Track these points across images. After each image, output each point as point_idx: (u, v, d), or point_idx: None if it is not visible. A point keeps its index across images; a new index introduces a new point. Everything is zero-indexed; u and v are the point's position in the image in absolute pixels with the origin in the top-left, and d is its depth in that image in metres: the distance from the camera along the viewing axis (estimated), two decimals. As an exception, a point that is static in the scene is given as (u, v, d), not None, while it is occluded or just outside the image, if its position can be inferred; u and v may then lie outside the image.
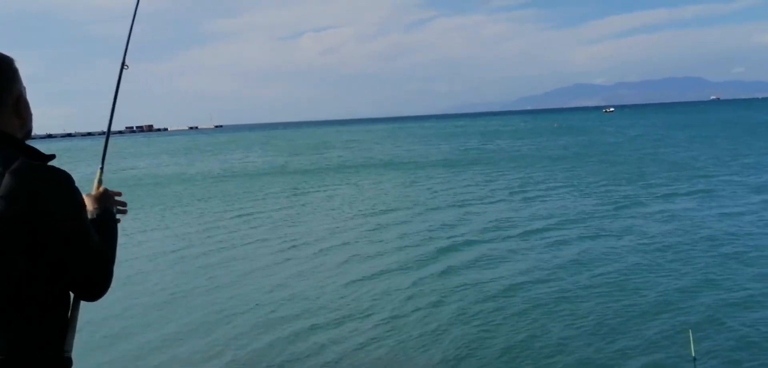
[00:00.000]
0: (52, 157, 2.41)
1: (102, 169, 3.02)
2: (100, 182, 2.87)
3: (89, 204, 2.60)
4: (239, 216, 20.87)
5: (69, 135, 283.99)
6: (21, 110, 2.40)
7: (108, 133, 3.22)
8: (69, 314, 2.39)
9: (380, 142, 74.17)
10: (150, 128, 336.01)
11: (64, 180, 2.25)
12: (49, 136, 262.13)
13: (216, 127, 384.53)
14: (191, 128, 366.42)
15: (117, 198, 2.84)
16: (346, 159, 48.55)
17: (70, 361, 2.37)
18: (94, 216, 2.57)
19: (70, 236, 2.25)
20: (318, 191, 27.44)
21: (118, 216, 2.84)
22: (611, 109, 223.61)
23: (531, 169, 31.77)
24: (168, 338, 9.36)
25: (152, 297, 11.44)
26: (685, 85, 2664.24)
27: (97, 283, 2.35)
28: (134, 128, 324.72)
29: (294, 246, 15.28)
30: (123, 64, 3.33)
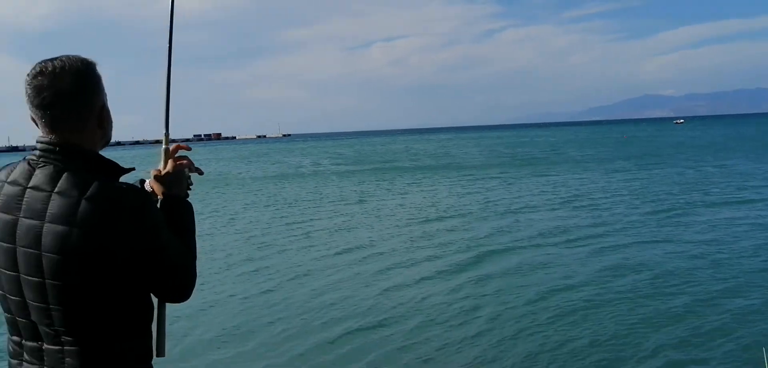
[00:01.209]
0: (132, 170, 2.41)
1: (167, 135, 2.69)
2: (166, 153, 2.61)
3: (157, 190, 2.49)
4: (298, 220, 21.06)
5: (137, 142, 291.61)
6: (104, 120, 2.35)
7: (168, 85, 2.80)
8: (155, 319, 2.43)
9: (445, 151, 73.89)
10: (218, 137, 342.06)
11: (141, 203, 2.19)
12: (119, 144, 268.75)
13: (284, 135, 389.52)
14: (259, 137, 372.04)
15: (186, 162, 2.59)
16: (408, 167, 48.36)
17: None
18: (166, 208, 2.43)
19: (149, 259, 2.20)
20: (378, 196, 27.49)
21: (191, 180, 2.65)
22: (681, 120, 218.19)
23: (593, 179, 31.14)
24: (214, 340, 9.42)
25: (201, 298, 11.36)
26: (756, 96, 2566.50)
27: (180, 292, 2.35)
28: (202, 136, 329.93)
29: (349, 251, 15.40)
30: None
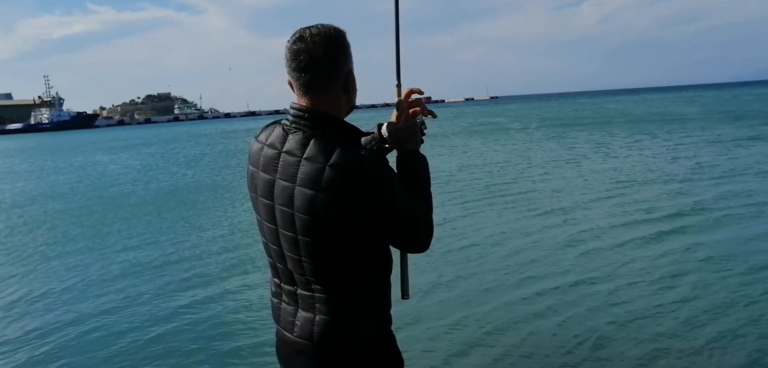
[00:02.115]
0: (371, 133, 2.58)
1: (399, 85, 2.69)
2: (398, 107, 2.64)
3: (392, 142, 2.57)
4: (508, 180, 21.28)
5: (356, 107, 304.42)
6: (349, 86, 2.47)
7: (397, 36, 2.76)
8: (399, 265, 2.63)
9: (660, 111, 69.18)
10: (428, 100, 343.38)
11: (378, 168, 2.29)
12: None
13: (491, 98, 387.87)
14: (467, 99, 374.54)
15: (420, 108, 2.65)
16: (621, 125, 45.94)
17: (389, 320, 2.56)
18: (400, 163, 2.52)
19: (383, 217, 2.32)
20: (587, 158, 26.61)
21: (425, 125, 2.69)
22: None
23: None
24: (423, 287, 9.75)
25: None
26: None
27: (415, 245, 2.45)
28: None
29: (557, 210, 15.24)
30: None
